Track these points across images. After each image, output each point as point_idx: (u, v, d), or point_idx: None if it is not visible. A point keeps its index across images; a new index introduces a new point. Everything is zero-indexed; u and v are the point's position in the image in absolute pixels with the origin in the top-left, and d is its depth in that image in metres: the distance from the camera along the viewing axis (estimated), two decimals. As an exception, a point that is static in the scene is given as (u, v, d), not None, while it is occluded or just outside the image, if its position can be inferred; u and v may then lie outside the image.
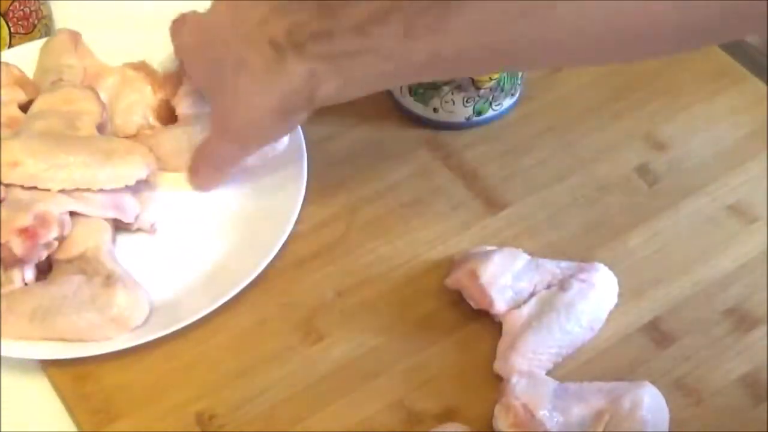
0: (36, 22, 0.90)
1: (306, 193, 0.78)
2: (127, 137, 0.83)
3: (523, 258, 0.73)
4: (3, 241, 0.71)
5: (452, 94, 0.83)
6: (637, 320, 0.74)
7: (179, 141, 0.81)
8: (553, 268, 0.74)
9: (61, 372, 0.72)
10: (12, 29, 0.89)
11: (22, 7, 0.89)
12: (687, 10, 0.54)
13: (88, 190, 0.75)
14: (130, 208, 0.77)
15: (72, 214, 0.75)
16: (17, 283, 0.73)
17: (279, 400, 0.70)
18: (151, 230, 0.79)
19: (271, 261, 0.75)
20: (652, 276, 0.77)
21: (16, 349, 0.71)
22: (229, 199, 0.81)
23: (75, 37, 0.86)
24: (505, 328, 0.72)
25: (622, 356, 0.73)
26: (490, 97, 0.84)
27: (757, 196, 0.81)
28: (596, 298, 0.73)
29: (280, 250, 0.76)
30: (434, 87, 0.83)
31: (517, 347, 0.70)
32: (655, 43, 0.59)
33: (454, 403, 0.70)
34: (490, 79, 0.82)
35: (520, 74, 0.85)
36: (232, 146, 0.76)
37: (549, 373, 0.70)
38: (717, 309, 0.75)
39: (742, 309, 0.75)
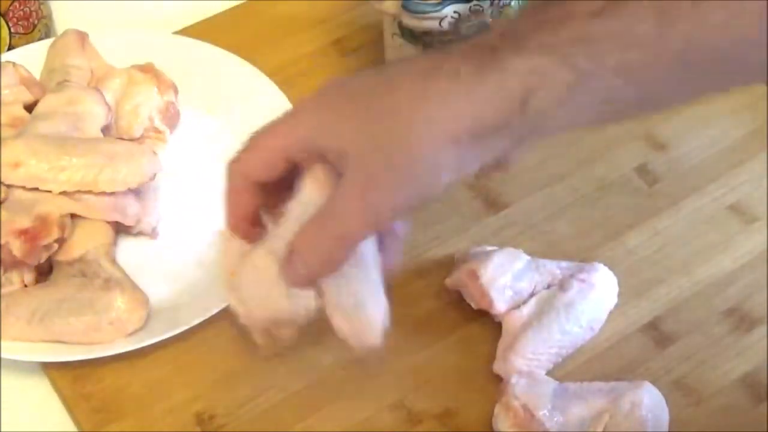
0: (36, 22, 0.90)
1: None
2: (132, 139, 0.83)
3: (523, 258, 0.73)
4: (3, 243, 0.71)
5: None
6: (637, 320, 0.74)
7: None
8: (553, 269, 0.74)
9: (61, 372, 0.72)
10: (12, 29, 0.89)
11: (22, 7, 0.89)
12: None
13: (89, 192, 0.75)
14: (131, 211, 0.77)
15: (73, 216, 0.75)
16: (17, 285, 0.73)
17: (279, 400, 0.70)
18: (153, 234, 0.78)
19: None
20: (652, 276, 0.77)
21: (15, 350, 0.71)
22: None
23: (82, 37, 0.86)
24: (505, 328, 0.72)
25: (622, 356, 0.73)
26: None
27: (757, 196, 0.81)
28: (596, 298, 0.73)
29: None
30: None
31: (516, 347, 0.70)
32: None
33: (454, 403, 0.70)
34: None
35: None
36: (386, 194, 0.55)
37: (549, 373, 0.70)
38: (717, 309, 0.75)
39: (742, 309, 0.75)
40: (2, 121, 0.80)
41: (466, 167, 0.55)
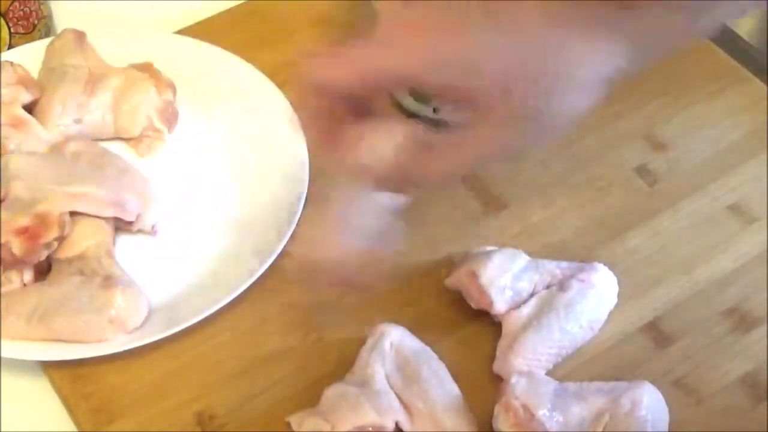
0: (36, 22, 0.90)
1: (307, 193, 0.78)
2: (131, 138, 0.83)
3: (523, 258, 0.73)
4: (3, 242, 0.71)
5: (452, 94, 0.83)
6: (637, 320, 0.74)
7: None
8: (553, 269, 0.74)
9: (61, 372, 0.72)
10: (12, 29, 0.89)
11: (22, 7, 0.89)
12: None
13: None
14: (131, 207, 0.77)
15: (72, 213, 0.74)
16: (16, 284, 0.73)
17: (279, 400, 0.70)
18: (153, 232, 0.78)
19: (272, 261, 0.75)
20: (652, 276, 0.77)
21: (14, 349, 0.71)
22: (229, 201, 0.81)
23: (81, 37, 0.86)
24: (504, 328, 0.72)
25: (622, 356, 0.73)
26: (490, 97, 0.84)
27: (757, 196, 0.81)
28: (596, 298, 0.73)
29: (280, 251, 0.76)
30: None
31: (516, 348, 0.70)
32: None
33: (454, 403, 0.70)
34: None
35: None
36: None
37: (549, 373, 0.70)
38: (717, 309, 0.75)
39: (742, 309, 0.75)
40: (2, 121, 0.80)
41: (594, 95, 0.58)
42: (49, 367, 0.72)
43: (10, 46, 0.89)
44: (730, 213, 0.81)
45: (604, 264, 0.74)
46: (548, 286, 0.73)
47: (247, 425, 0.69)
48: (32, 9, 0.90)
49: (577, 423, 0.66)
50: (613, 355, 0.73)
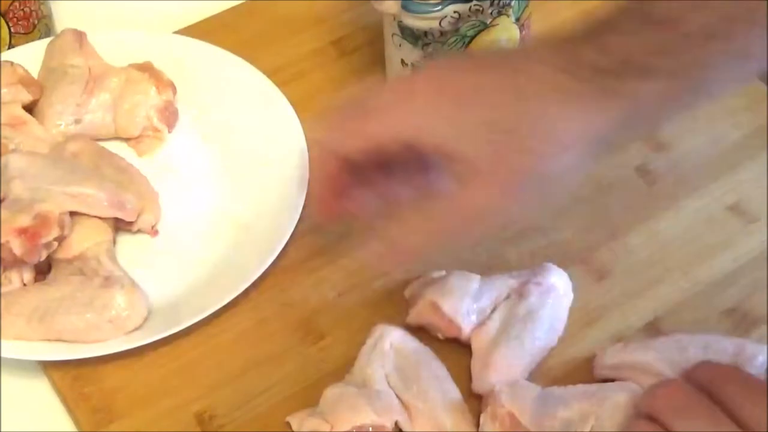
0: (36, 22, 0.90)
1: (307, 193, 0.78)
2: (131, 138, 0.83)
3: (475, 279, 0.73)
4: (3, 242, 0.71)
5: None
6: (637, 320, 0.74)
7: None
8: (506, 280, 0.73)
9: (61, 372, 0.72)
10: (12, 29, 0.89)
11: (22, 7, 0.89)
12: None
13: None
14: (131, 206, 0.77)
15: (72, 213, 0.75)
16: (16, 284, 0.73)
17: (279, 400, 0.70)
18: (152, 232, 0.79)
19: (272, 261, 0.75)
20: (652, 276, 0.77)
21: (14, 349, 0.71)
22: (229, 201, 0.81)
23: (80, 36, 0.86)
24: (474, 347, 0.71)
25: (622, 356, 0.73)
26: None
27: (757, 196, 0.81)
28: (555, 299, 0.72)
29: (280, 250, 0.76)
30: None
31: (492, 365, 0.69)
32: None
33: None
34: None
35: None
36: (522, 165, 0.59)
37: (546, 377, 0.70)
38: (717, 309, 0.75)
39: (742, 309, 0.75)
40: (2, 121, 0.80)
41: (587, 163, 0.61)
42: (49, 367, 0.72)
43: (10, 46, 0.89)
44: (730, 213, 0.80)
45: (604, 264, 0.74)
46: (507, 297, 0.72)
47: (247, 425, 0.69)
48: (32, 9, 0.90)
49: (563, 426, 0.65)
50: (613, 355, 0.73)
